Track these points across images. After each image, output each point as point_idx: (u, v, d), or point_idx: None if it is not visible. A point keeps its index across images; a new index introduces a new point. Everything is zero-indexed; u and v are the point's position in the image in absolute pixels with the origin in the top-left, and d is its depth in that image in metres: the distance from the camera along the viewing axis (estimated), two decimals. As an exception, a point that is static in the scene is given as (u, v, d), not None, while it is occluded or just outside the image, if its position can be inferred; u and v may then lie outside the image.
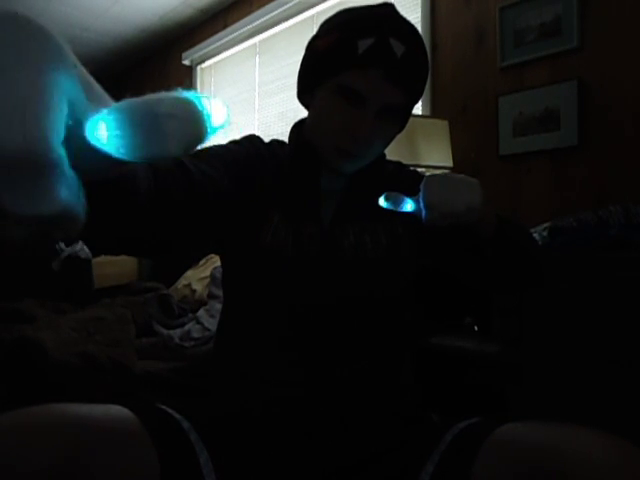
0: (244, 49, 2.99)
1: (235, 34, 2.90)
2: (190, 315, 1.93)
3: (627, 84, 1.53)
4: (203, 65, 3.29)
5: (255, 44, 2.91)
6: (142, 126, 0.21)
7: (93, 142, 0.21)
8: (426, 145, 1.67)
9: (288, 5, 2.56)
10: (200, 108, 0.22)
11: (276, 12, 2.63)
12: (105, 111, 0.21)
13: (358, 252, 0.70)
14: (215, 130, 0.23)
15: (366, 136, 0.66)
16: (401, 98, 0.67)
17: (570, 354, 1.14)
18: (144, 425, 0.56)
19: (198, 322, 1.81)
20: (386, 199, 0.61)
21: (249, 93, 2.95)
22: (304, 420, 0.64)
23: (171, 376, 1.50)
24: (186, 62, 3.32)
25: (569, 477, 0.45)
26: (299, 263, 0.68)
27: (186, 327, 1.78)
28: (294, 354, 0.66)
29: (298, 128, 0.77)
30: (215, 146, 0.72)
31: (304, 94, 0.74)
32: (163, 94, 0.23)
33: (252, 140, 0.77)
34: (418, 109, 2.02)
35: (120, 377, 1.42)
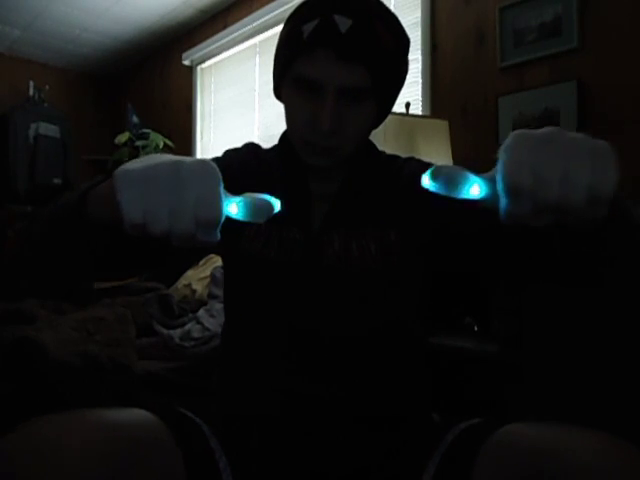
0: (244, 49, 2.98)
1: (235, 34, 2.90)
2: (190, 315, 1.93)
3: (627, 84, 1.53)
4: (203, 65, 3.29)
5: (255, 44, 2.90)
6: (252, 211, 0.43)
7: (225, 211, 0.42)
8: (426, 145, 1.67)
9: (288, 5, 2.56)
10: (274, 205, 0.43)
11: (276, 12, 2.63)
12: (234, 198, 0.43)
13: (342, 260, 0.65)
14: (275, 212, 0.44)
15: (329, 125, 0.60)
16: (363, 77, 0.60)
17: (570, 354, 1.14)
18: (171, 432, 0.55)
19: (198, 322, 1.81)
20: (434, 176, 0.39)
21: (249, 93, 2.94)
22: (310, 426, 0.63)
23: (171, 376, 1.50)
24: (186, 62, 3.32)
25: (569, 479, 0.45)
26: (282, 270, 0.66)
27: (186, 327, 1.78)
28: (292, 362, 0.65)
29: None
30: (218, 157, 0.75)
31: (277, 91, 0.72)
32: (259, 195, 0.43)
33: (250, 148, 0.78)
34: (418, 109, 2.02)
35: (120, 377, 1.42)
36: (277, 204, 0.43)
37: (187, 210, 0.39)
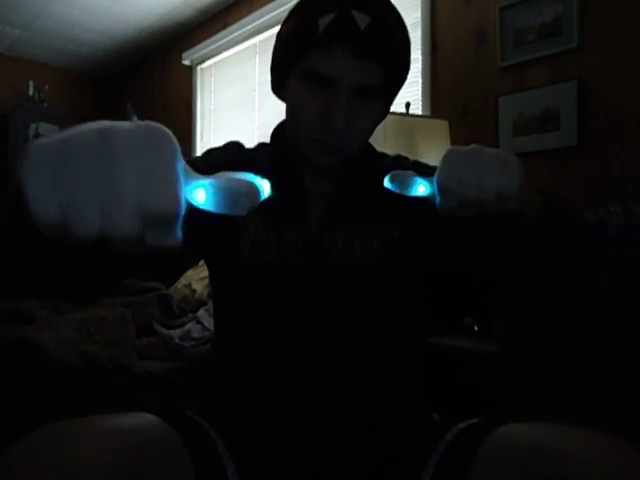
0: (244, 49, 2.99)
1: (235, 34, 2.90)
2: (190, 315, 1.93)
3: (627, 84, 1.53)
4: (203, 65, 3.29)
5: (255, 44, 2.91)
6: (228, 198, 0.30)
7: (190, 199, 0.30)
8: (426, 145, 1.67)
9: (288, 5, 2.56)
10: (259, 188, 0.32)
11: (276, 12, 2.63)
12: (203, 182, 0.30)
13: (346, 260, 0.64)
14: (262, 199, 0.32)
15: (341, 123, 0.58)
16: (377, 75, 0.60)
17: (570, 354, 1.14)
18: (181, 437, 0.53)
19: (198, 322, 1.81)
20: (392, 180, 0.50)
21: (249, 93, 2.94)
22: (310, 427, 0.63)
23: (171, 376, 1.50)
24: (186, 62, 3.32)
25: (569, 479, 0.45)
26: (283, 272, 0.64)
27: (186, 327, 1.79)
28: (292, 364, 0.64)
29: (280, 128, 0.73)
30: (199, 156, 0.73)
31: (277, 87, 0.69)
32: (238, 175, 0.32)
33: (234, 146, 0.75)
34: (418, 109, 2.02)
35: (120, 377, 1.42)
36: (265, 187, 0.32)
37: (126, 200, 0.27)
